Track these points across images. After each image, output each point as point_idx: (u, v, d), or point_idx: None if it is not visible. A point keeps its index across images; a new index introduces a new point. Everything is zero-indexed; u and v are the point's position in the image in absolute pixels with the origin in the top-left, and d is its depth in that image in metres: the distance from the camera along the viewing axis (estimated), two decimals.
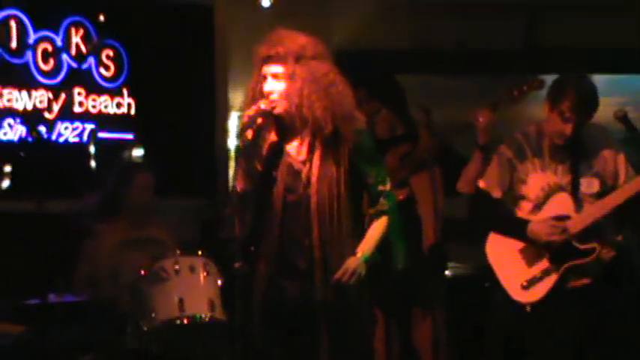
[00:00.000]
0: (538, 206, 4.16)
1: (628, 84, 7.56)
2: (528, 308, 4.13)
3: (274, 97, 3.69)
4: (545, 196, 4.14)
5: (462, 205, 4.98)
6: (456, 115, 5.94)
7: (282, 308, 3.74)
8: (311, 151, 3.73)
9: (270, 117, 3.72)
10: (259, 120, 3.69)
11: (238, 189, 3.75)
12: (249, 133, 3.68)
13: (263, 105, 3.69)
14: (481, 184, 4.34)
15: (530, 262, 4.15)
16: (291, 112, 3.69)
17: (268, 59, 3.71)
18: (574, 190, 4.10)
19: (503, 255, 4.23)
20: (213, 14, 6.66)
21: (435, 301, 4.81)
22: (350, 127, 3.71)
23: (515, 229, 4.19)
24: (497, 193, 4.27)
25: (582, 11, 7.25)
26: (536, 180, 4.17)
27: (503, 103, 4.62)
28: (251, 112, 3.69)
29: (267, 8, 6.38)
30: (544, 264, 4.11)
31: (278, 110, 3.69)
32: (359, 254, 3.70)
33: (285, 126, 3.75)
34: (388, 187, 3.81)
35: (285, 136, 3.78)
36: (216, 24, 6.66)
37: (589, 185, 4.10)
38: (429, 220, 4.83)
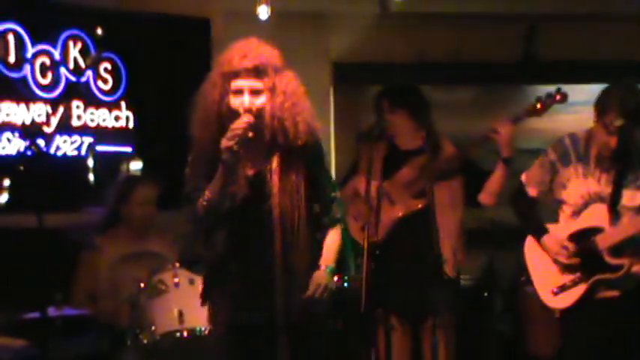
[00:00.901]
0: (577, 213, 4.16)
1: None
2: (557, 314, 4.16)
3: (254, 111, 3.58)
4: (585, 204, 4.14)
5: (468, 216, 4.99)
6: (454, 126, 5.95)
7: (246, 320, 3.68)
8: (269, 163, 3.68)
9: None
10: (250, 134, 3.58)
11: (207, 197, 3.64)
12: (240, 149, 3.58)
13: (246, 119, 3.57)
14: (523, 177, 4.37)
15: (563, 269, 4.15)
16: (273, 126, 3.61)
17: (243, 72, 3.60)
18: (613, 202, 4.07)
19: (539, 258, 4.24)
20: (211, 27, 6.66)
21: (441, 311, 4.80)
22: (313, 137, 3.70)
23: (538, 232, 4.22)
24: (532, 192, 4.32)
25: (580, 23, 7.27)
26: (576, 186, 4.17)
27: (526, 116, 4.64)
28: (242, 124, 3.56)
29: (265, 21, 6.37)
30: (575, 273, 4.12)
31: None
32: (323, 267, 3.69)
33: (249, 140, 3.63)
34: (338, 193, 3.82)
35: (247, 149, 3.66)
36: (214, 37, 6.66)
37: (632, 198, 4.07)
38: (447, 231, 4.82)
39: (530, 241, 4.31)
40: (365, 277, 4.65)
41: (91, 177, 6.08)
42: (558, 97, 4.55)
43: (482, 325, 5.50)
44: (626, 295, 4.07)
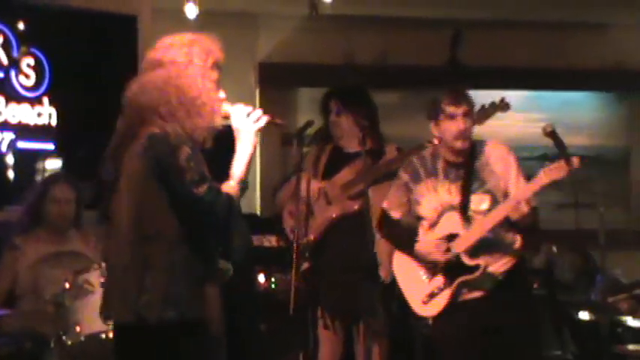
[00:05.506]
0: (433, 225, 4.30)
1: (545, 100, 7.72)
2: (430, 322, 4.32)
3: None
4: (439, 216, 4.28)
5: None
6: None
7: None
8: None
9: None
10: None
11: None
12: None
13: None
14: (385, 204, 4.50)
15: (429, 278, 4.29)
16: None
17: None
18: (464, 209, 4.22)
19: (405, 272, 4.40)
20: (138, 24, 6.56)
21: (375, 313, 4.82)
22: None
23: (410, 248, 4.33)
24: (396, 214, 4.46)
25: (503, 29, 7.39)
26: (429, 200, 4.31)
27: None
28: None
29: (192, 19, 6.32)
30: (439, 280, 4.25)
31: None
32: None
33: None
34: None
35: None
36: (140, 34, 6.57)
37: (479, 202, 4.22)
38: None
39: (397, 258, 4.46)
40: (294, 278, 4.63)
41: (11, 174, 5.95)
42: (500, 106, 4.68)
43: (411, 329, 5.51)
44: (488, 295, 4.21)
